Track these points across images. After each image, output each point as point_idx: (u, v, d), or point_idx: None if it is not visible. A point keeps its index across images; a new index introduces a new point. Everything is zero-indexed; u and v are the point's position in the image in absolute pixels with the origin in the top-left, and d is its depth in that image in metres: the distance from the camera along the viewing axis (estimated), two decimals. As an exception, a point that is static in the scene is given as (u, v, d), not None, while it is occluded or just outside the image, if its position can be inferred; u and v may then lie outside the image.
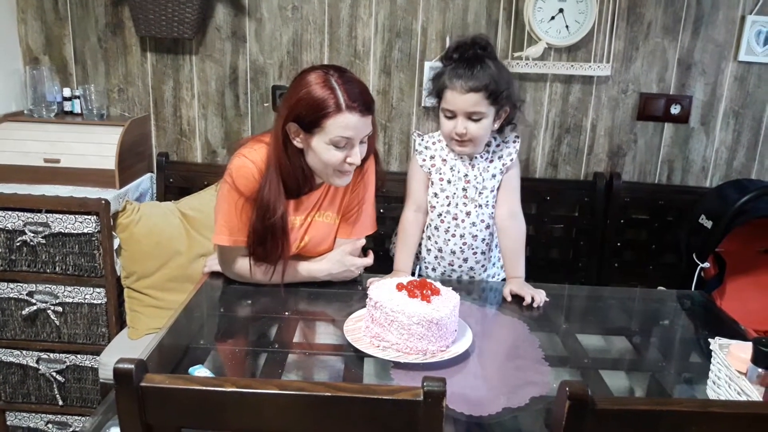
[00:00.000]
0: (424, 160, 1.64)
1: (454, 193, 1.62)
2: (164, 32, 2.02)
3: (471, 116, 1.52)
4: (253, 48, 2.12)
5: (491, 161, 1.62)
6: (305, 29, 2.10)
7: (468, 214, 1.62)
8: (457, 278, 1.70)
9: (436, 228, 1.66)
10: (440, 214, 1.64)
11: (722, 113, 2.12)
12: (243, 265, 1.51)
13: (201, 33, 2.10)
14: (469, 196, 1.61)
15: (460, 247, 1.65)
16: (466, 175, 1.61)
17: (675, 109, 2.11)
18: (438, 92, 1.57)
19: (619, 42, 2.06)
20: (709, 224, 1.82)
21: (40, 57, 2.15)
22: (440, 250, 1.67)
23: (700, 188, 2.15)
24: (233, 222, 1.49)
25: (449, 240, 1.65)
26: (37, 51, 2.15)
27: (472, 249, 1.66)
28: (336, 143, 1.40)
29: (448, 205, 1.63)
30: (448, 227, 1.64)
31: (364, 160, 1.49)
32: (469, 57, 1.54)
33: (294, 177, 1.48)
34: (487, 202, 1.62)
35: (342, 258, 1.53)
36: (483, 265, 1.69)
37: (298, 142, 1.44)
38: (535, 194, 2.13)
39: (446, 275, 1.70)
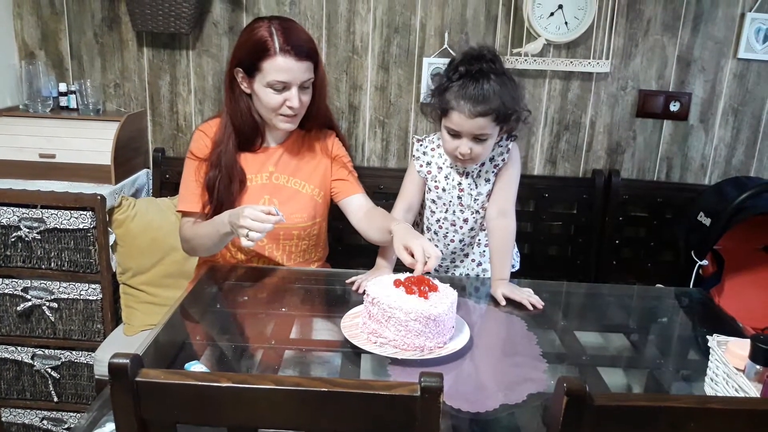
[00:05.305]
0: (421, 165, 1.63)
1: (450, 201, 1.62)
2: (161, 27, 2.00)
3: (477, 137, 1.48)
4: (250, 43, 2.11)
5: (483, 164, 1.58)
6: (303, 24, 2.08)
7: (466, 220, 1.63)
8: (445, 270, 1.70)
9: (435, 233, 1.66)
10: (438, 221, 1.65)
11: (721, 110, 2.12)
12: (191, 228, 1.57)
13: (198, 28, 2.09)
14: (465, 204, 1.61)
15: (461, 249, 1.67)
16: (460, 183, 1.60)
17: (674, 106, 2.10)
18: (443, 109, 1.49)
19: (618, 38, 2.06)
20: (707, 222, 1.81)
21: (35, 52, 2.14)
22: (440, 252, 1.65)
23: (699, 186, 2.14)
24: (191, 186, 1.58)
25: (448, 245, 1.66)
26: (33, 46, 2.13)
27: (472, 248, 1.68)
28: (273, 86, 1.50)
29: (446, 212, 1.63)
30: (447, 233, 1.65)
31: (313, 119, 1.62)
32: (477, 75, 1.45)
33: (245, 124, 1.58)
34: (485, 206, 1.61)
35: (243, 207, 1.37)
36: (473, 259, 1.70)
37: (245, 88, 1.56)
38: (534, 191, 2.13)
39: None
